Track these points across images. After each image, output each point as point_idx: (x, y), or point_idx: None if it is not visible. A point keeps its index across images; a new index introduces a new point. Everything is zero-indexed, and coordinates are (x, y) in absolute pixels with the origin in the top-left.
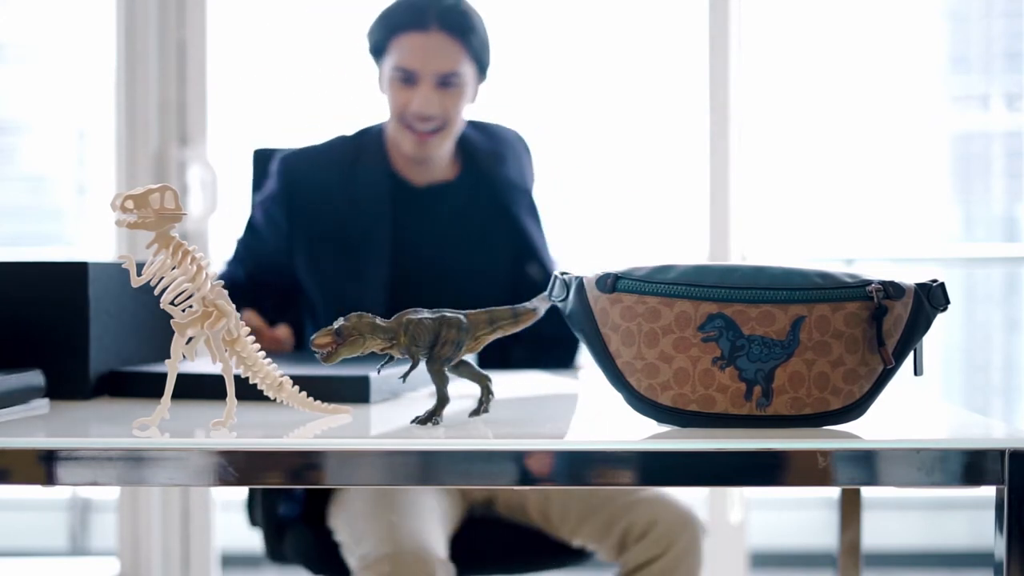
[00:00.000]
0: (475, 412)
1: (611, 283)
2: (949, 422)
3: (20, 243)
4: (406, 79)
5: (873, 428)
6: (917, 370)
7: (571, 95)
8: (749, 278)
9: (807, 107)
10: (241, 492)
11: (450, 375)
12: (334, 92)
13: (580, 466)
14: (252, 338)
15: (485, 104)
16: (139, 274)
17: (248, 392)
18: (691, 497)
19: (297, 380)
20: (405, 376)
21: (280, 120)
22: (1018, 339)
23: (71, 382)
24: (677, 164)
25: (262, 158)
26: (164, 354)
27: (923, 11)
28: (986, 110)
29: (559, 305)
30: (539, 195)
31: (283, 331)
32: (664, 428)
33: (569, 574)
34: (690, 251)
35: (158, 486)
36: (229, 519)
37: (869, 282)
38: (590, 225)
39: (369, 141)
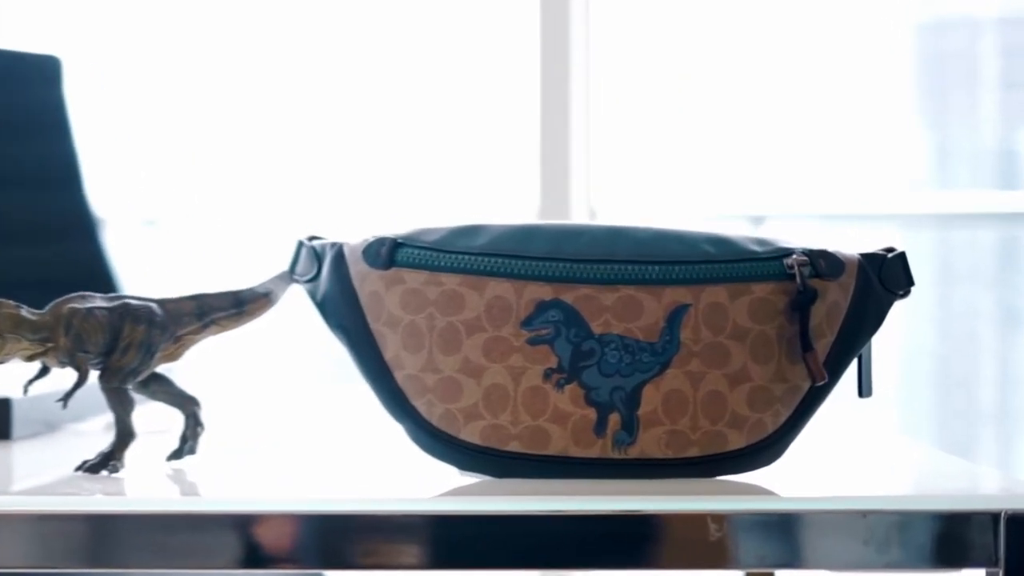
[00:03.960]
0: (176, 454)
1: (386, 253)
2: (913, 469)
3: None
4: None
5: (795, 479)
6: (863, 389)
7: None
8: (601, 245)
9: None
10: None
11: (138, 396)
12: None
13: (337, 539)
14: None
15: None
16: None
17: None
18: None
19: None
20: (67, 397)
21: None
22: (1019, 338)
23: None
24: (486, 68)
25: None
26: None
27: None
28: None
29: (305, 287)
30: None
31: None
32: (470, 479)
33: None
34: (510, 204)
35: None
36: None
37: (789, 251)
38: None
39: None
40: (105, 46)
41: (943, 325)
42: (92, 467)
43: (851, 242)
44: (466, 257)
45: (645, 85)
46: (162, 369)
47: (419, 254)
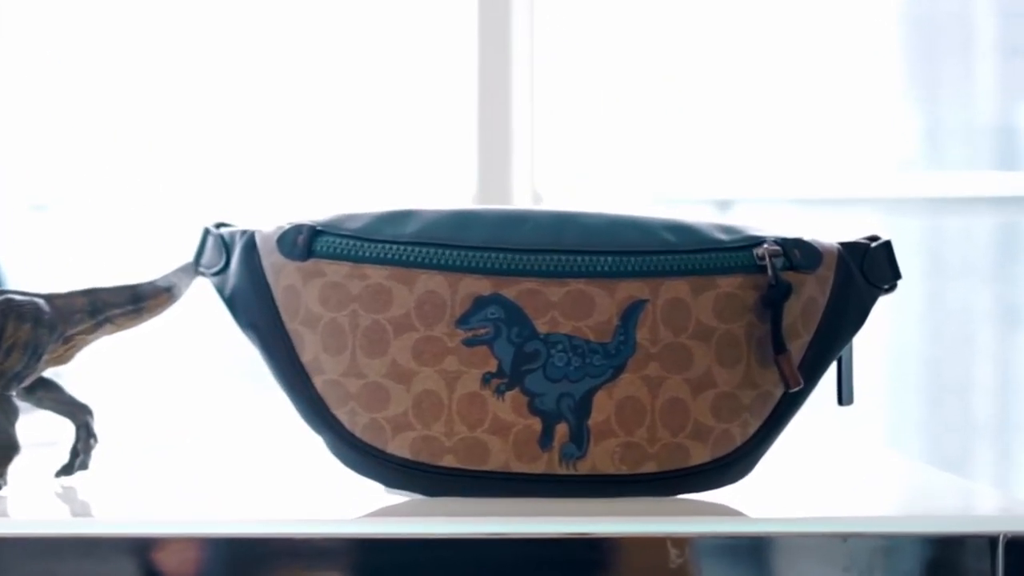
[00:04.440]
0: (66, 469)
1: (304, 242)
2: (900, 486)
3: None
4: None
5: (766, 498)
6: (843, 396)
7: None
8: (547, 233)
9: None
10: None
11: (22, 404)
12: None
13: (248, 566)
14: None
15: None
16: None
17: None
18: None
19: None
20: None
21: None
22: (1019, 338)
23: None
24: (416, 34)
25: None
26: None
27: None
28: None
29: (212, 281)
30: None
31: None
32: (400, 498)
33: None
34: (443, 187)
35: None
36: None
37: (759, 240)
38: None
39: None
40: None
41: (934, 324)
42: None
43: (830, 230)
44: (394, 247)
45: (595, 51)
46: (49, 373)
47: (341, 243)
